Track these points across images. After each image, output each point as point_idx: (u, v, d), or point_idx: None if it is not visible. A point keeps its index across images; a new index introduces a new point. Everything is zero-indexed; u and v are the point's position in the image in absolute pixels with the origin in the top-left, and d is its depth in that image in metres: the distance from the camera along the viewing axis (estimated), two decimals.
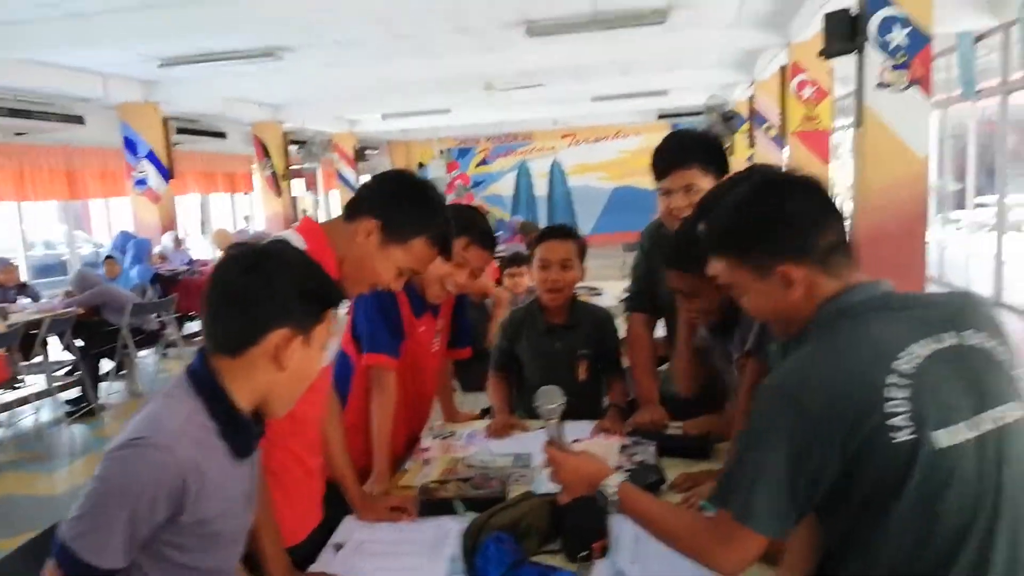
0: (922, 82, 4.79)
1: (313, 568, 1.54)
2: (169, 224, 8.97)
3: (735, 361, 1.85)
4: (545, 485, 1.52)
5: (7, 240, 8.95)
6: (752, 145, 10.19)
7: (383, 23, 6.57)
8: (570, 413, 2.19)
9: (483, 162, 17.60)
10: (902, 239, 5.00)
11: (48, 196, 8.77)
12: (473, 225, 2.10)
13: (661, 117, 14.89)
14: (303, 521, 1.63)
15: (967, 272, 8.70)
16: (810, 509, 1.11)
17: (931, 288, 8.52)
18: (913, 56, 4.74)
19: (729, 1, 6.61)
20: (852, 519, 1.11)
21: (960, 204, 9.52)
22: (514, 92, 10.42)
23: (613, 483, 1.31)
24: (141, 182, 8.75)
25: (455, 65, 8.28)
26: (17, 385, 5.43)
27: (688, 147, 2.06)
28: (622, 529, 1.49)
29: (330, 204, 15.57)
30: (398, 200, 1.55)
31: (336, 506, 1.78)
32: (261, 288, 1.15)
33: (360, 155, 14.95)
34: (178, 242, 8.83)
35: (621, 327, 2.54)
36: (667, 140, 2.13)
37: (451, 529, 1.62)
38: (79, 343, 5.90)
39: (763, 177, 1.28)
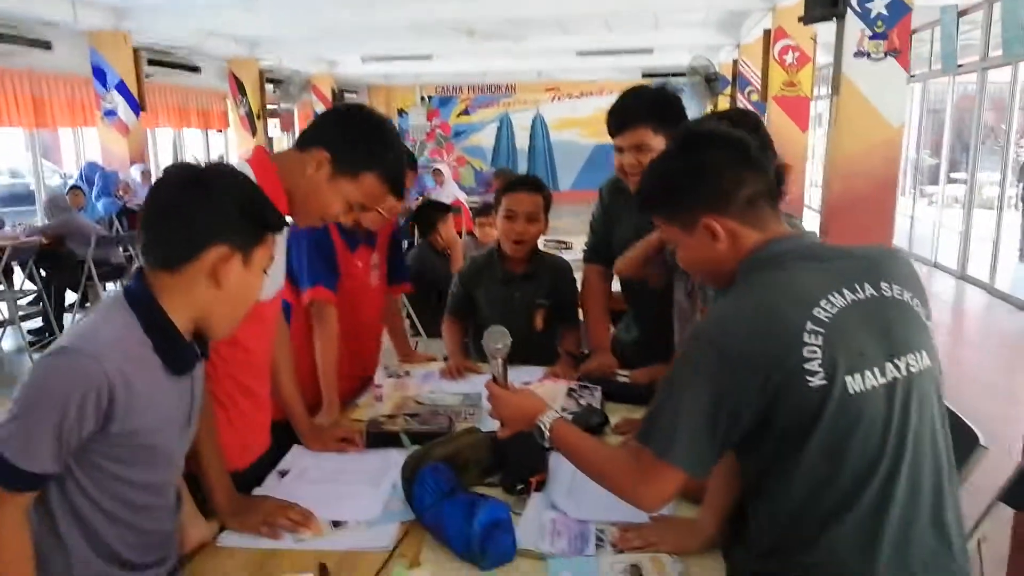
0: (899, 53, 4.81)
1: (257, 492, 1.57)
2: (138, 157, 8.78)
3: (699, 311, 1.88)
4: (490, 423, 1.56)
5: None
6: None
7: None
8: (525, 362, 2.25)
9: (464, 112, 17.36)
10: (871, 204, 5.10)
11: (13, 123, 8.50)
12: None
13: (646, 76, 14.72)
14: (249, 447, 1.65)
15: (935, 245, 8.85)
16: (729, 448, 1.16)
17: None
18: (892, 25, 4.74)
19: None
20: (767, 459, 1.16)
21: (935, 179, 9.63)
22: (497, 41, 10.25)
23: (548, 419, 1.36)
24: (110, 113, 8.53)
25: (436, 8, 8.10)
26: None
27: (639, 106, 2.07)
28: (560, 465, 1.54)
29: None
30: (351, 133, 1.54)
31: (287, 437, 1.81)
32: (201, 203, 1.15)
33: (339, 98, 14.66)
34: (146, 176, 8.65)
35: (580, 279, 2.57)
36: (621, 98, 2.12)
37: (395, 461, 1.65)
38: (42, 273, 5.82)
39: (684, 134, 1.32)
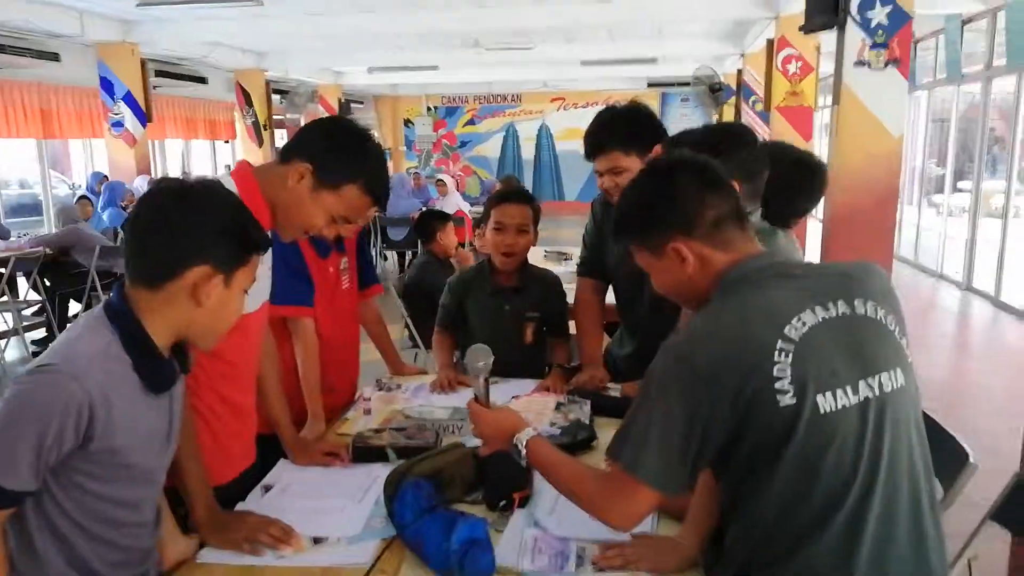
0: (900, 62, 4.79)
1: (240, 507, 1.57)
2: (145, 168, 8.85)
3: None
4: (476, 438, 1.56)
5: None
6: (738, 118, 10.16)
7: None
8: (515, 375, 2.25)
9: (470, 122, 17.42)
10: (873, 215, 5.08)
11: (22, 134, 8.59)
12: None
13: (651, 85, 14.78)
14: (232, 461, 1.65)
15: (940, 256, 8.80)
16: (703, 466, 1.16)
17: (899, 267, 8.63)
18: (892, 35, 4.73)
19: None
20: (740, 476, 1.15)
21: (941, 188, 9.58)
22: (503, 52, 10.29)
23: (525, 436, 1.36)
24: (118, 124, 8.61)
25: (442, 19, 8.16)
26: None
27: (607, 131, 2.09)
28: (544, 482, 1.53)
29: None
30: (332, 145, 1.54)
31: (274, 451, 1.81)
32: (185, 221, 1.16)
33: (345, 108, 14.74)
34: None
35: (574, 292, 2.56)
36: (593, 122, 2.14)
37: (380, 476, 1.64)
38: (47, 284, 5.86)
39: (650, 162, 1.37)
